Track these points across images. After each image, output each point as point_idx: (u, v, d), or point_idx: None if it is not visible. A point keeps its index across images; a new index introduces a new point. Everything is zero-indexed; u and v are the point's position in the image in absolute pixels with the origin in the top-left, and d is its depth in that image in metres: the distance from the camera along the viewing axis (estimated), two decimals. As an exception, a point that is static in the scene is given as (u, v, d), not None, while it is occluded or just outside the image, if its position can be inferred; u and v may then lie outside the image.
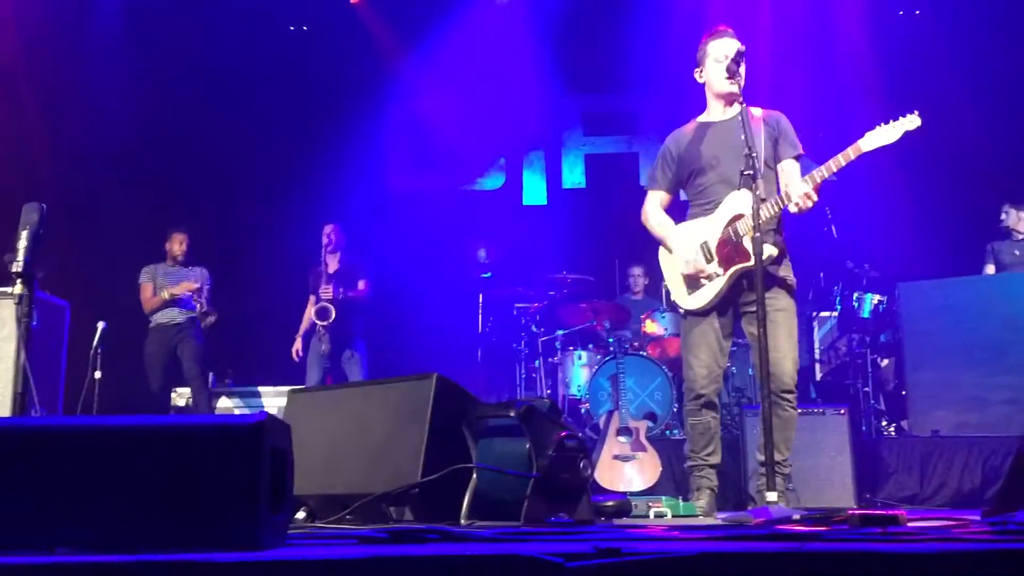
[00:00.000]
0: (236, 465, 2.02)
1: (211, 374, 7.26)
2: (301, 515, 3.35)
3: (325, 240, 7.13)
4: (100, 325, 6.02)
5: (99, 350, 6.00)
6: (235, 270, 7.41)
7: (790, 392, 3.85)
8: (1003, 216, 7.05)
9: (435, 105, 8.93)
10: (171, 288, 6.91)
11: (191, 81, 8.13)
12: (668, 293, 4.75)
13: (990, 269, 7.04)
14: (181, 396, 7.16)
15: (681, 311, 4.19)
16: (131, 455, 2.03)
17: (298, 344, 7.10)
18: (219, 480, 2.00)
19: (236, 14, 8.11)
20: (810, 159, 4.19)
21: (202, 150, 8.19)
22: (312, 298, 7.12)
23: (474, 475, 3.19)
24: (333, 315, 6.85)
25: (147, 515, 2.00)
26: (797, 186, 3.75)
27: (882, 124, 3.74)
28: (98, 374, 5.98)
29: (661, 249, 4.23)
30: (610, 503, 3.54)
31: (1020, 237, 7.02)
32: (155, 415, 2.15)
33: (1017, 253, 6.98)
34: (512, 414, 3.16)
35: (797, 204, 3.73)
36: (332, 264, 7.20)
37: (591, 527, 2.95)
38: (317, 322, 6.88)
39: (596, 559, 1.70)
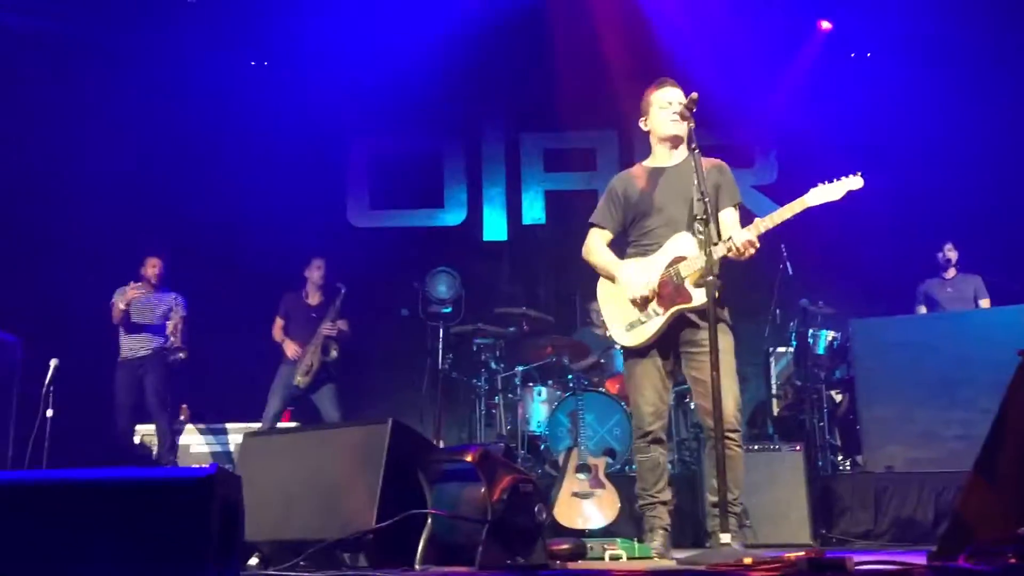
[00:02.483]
0: (185, 519, 2.02)
1: (183, 407, 7.18)
2: (254, 561, 3.33)
3: (316, 273, 7.18)
4: (53, 362, 5.94)
5: (51, 388, 5.92)
6: (195, 304, 7.33)
7: (735, 431, 3.89)
8: (945, 252, 7.28)
9: (396, 141, 8.98)
10: (137, 304, 6.86)
11: (151, 111, 8.11)
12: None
13: (922, 310, 7.24)
14: (141, 434, 7.07)
15: (618, 347, 4.22)
16: (77, 510, 2.02)
17: (290, 346, 7.04)
18: (168, 534, 2.00)
19: (200, 47, 8.14)
20: (747, 207, 4.30)
21: (163, 181, 8.15)
22: (280, 321, 7.13)
23: (429, 520, 3.19)
24: (335, 352, 6.91)
25: (94, 570, 1.99)
26: (740, 234, 3.83)
27: (825, 183, 3.83)
28: (50, 412, 5.89)
29: (601, 284, 4.27)
30: (565, 546, 3.55)
31: (951, 275, 7.25)
32: (104, 467, 2.13)
33: (950, 290, 7.21)
34: (467, 459, 3.17)
35: (739, 250, 3.80)
36: (315, 297, 7.22)
37: (545, 573, 2.96)
38: (310, 357, 6.87)
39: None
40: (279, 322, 7.19)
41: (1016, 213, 8.12)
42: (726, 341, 3.98)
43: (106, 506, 2.03)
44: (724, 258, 3.87)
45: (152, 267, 7.11)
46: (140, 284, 6.92)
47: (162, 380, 6.86)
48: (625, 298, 4.10)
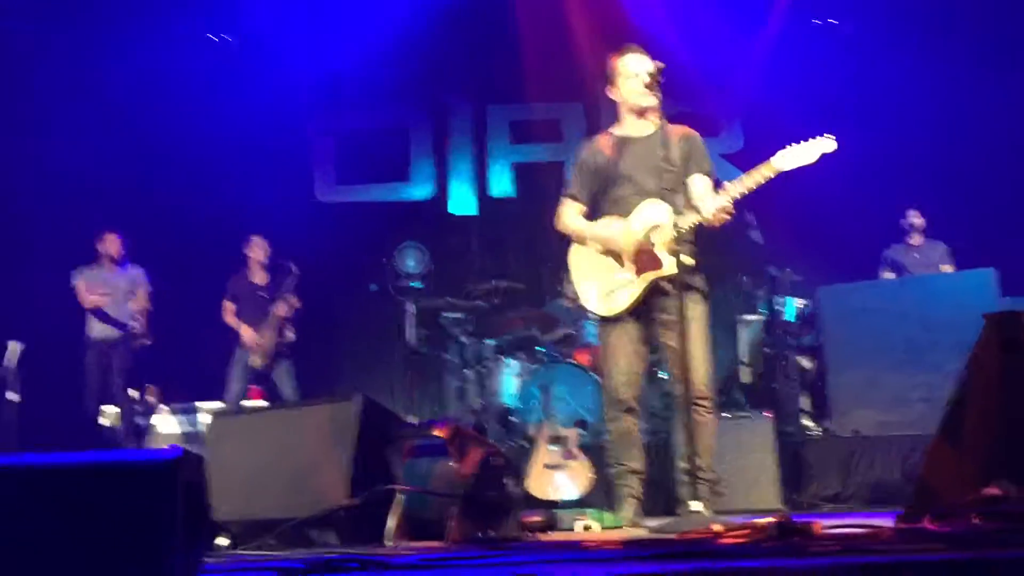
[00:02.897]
0: (149, 503, 1.99)
1: (151, 387, 7.09)
2: (223, 541, 3.31)
3: (258, 251, 7.09)
4: (12, 345, 5.86)
5: (16, 372, 5.85)
6: (163, 282, 7.24)
7: (706, 399, 3.91)
8: (910, 218, 7.31)
9: (361, 115, 8.88)
10: (99, 293, 6.75)
11: (109, 87, 7.96)
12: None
13: (887, 275, 7.28)
14: (107, 416, 7.00)
15: (592, 316, 4.20)
16: (38, 494, 1.98)
17: (246, 331, 6.97)
18: (132, 518, 1.97)
19: (159, 18, 7.98)
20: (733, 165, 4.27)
21: (124, 159, 8.00)
22: (230, 305, 7.04)
23: (399, 496, 3.18)
24: (291, 334, 6.86)
25: (55, 556, 1.96)
26: (711, 201, 3.82)
27: (795, 144, 3.77)
28: (15, 397, 5.83)
29: (573, 254, 4.24)
30: (536, 518, 3.56)
31: (917, 241, 7.30)
32: (65, 451, 2.09)
33: (917, 256, 7.26)
34: (438, 434, 3.17)
35: (711, 219, 3.79)
36: (260, 276, 7.14)
37: (515, 546, 2.97)
38: (265, 340, 6.81)
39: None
40: (229, 305, 7.07)
41: (980, 178, 8.20)
42: (700, 309, 3.99)
43: (68, 491, 2.00)
44: (698, 225, 3.86)
45: (111, 243, 6.98)
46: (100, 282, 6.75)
47: (130, 362, 6.78)
48: (600, 265, 4.08)
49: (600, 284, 4.08)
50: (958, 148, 8.16)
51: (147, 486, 1.99)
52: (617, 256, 4.03)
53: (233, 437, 3.55)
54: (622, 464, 4.11)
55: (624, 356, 4.06)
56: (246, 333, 6.90)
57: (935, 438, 2.90)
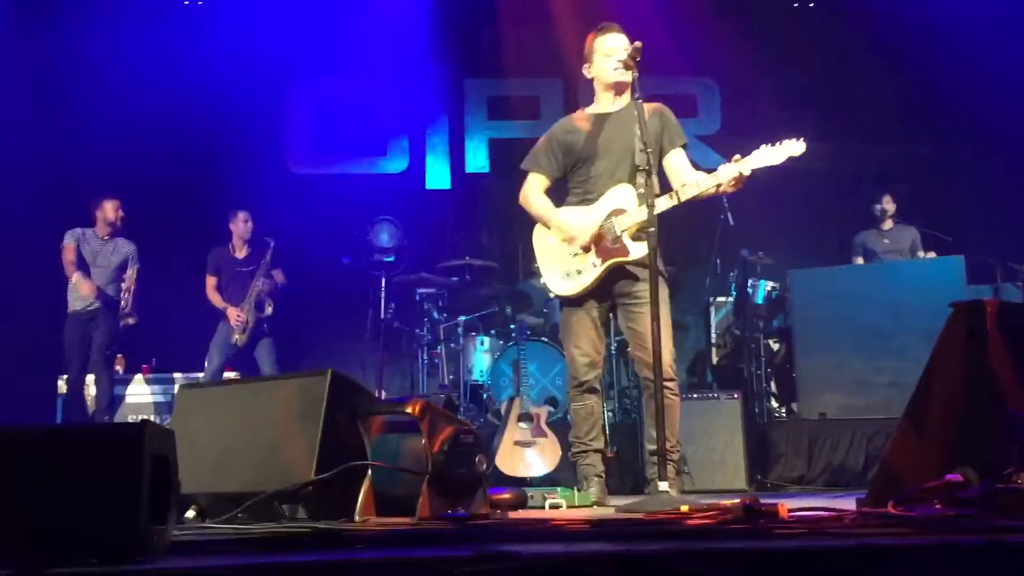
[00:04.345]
0: (115, 475, 1.97)
1: (119, 356, 7.01)
2: (191, 514, 3.30)
3: (243, 227, 7.02)
4: None
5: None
6: (140, 254, 7.14)
7: (671, 380, 3.94)
8: (882, 203, 7.35)
9: (337, 88, 8.80)
10: (92, 251, 6.69)
11: (78, 54, 7.81)
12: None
13: (859, 260, 7.35)
14: (86, 386, 6.93)
15: (552, 296, 4.22)
16: (1, 464, 1.97)
17: (231, 311, 6.89)
18: (97, 490, 1.95)
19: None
20: (709, 147, 4.28)
21: (98, 136, 7.85)
22: (213, 279, 6.98)
23: (369, 472, 3.18)
24: (270, 308, 6.80)
25: (20, 527, 1.94)
26: (725, 169, 3.77)
27: (767, 146, 3.80)
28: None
29: (536, 233, 4.26)
30: (506, 495, 3.58)
31: (888, 226, 7.35)
32: (31, 421, 2.08)
33: (887, 241, 7.31)
34: (408, 410, 3.16)
35: (728, 185, 3.79)
36: (242, 251, 7.07)
37: (483, 524, 2.99)
38: (246, 315, 6.76)
39: (478, 566, 1.73)
40: (211, 280, 7.01)
41: (953, 166, 8.28)
42: (662, 293, 4.01)
43: (33, 462, 1.98)
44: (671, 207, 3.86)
45: (114, 209, 6.80)
46: (87, 283, 6.63)
47: (111, 335, 6.68)
48: (561, 247, 4.10)
49: (562, 264, 4.10)
50: (933, 134, 8.24)
51: (113, 458, 1.98)
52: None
53: (201, 410, 3.53)
54: (583, 443, 4.13)
55: (585, 337, 4.08)
56: (231, 314, 6.83)
57: (900, 424, 2.94)
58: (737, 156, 3.81)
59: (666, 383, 3.90)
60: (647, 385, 3.94)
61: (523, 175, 4.39)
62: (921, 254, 7.25)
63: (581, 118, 4.23)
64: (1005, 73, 7.58)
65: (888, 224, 7.38)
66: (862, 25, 8.19)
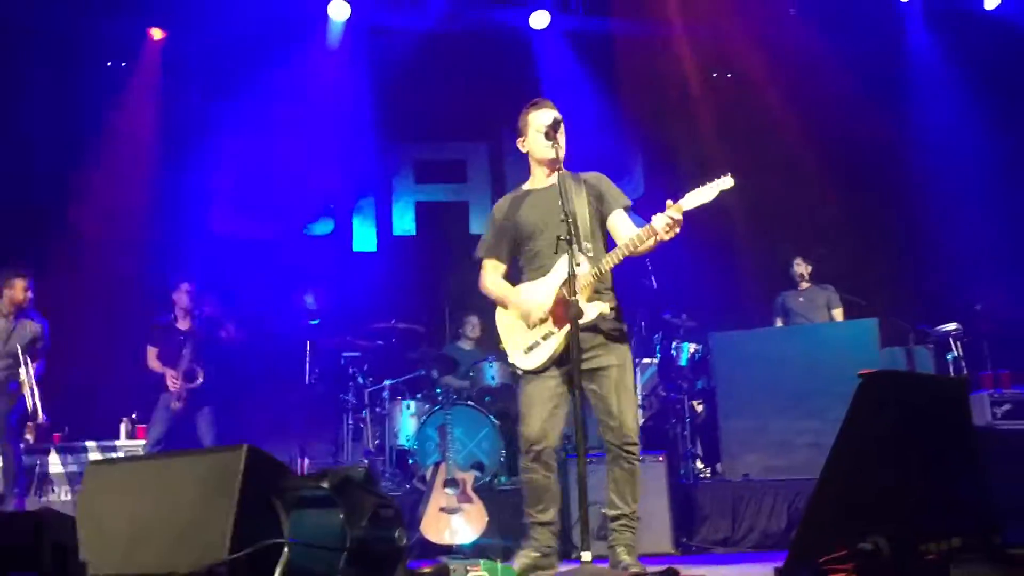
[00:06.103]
0: (13, 565, 1.90)
1: (28, 424, 6.72)
2: (99, 598, 3.16)
3: (184, 298, 6.80)
4: None
5: None
6: (60, 319, 6.91)
7: (634, 444, 3.94)
8: (795, 266, 7.56)
9: (264, 149, 8.75)
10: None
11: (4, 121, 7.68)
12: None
13: (779, 322, 7.52)
14: None
15: (519, 372, 4.20)
16: None
17: (170, 377, 6.66)
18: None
19: (48, 49, 7.74)
20: (636, 214, 4.33)
21: (16, 194, 7.68)
22: (153, 350, 6.78)
23: (285, 549, 3.10)
24: (201, 378, 6.59)
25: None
26: (659, 218, 3.76)
27: (699, 187, 3.83)
28: None
29: (498, 313, 4.28)
30: (427, 569, 3.52)
31: (805, 286, 7.55)
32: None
33: (802, 300, 7.51)
34: (325, 485, 3.10)
35: (664, 232, 3.77)
36: (184, 323, 6.87)
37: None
38: (179, 384, 6.55)
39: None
40: (152, 351, 6.82)
41: (866, 227, 8.56)
42: (622, 355, 4.03)
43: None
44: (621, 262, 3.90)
45: (23, 290, 6.44)
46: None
47: (19, 416, 6.38)
48: (520, 323, 4.12)
49: (523, 340, 4.11)
50: (850, 198, 8.52)
51: (10, 548, 1.90)
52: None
53: (112, 487, 3.40)
54: (530, 514, 4.08)
55: (540, 406, 4.03)
56: (170, 380, 6.61)
57: (814, 491, 2.98)
58: (669, 201, 3.84)
59: (629, 447, 3.91)
60: (610, 448, 3.95)
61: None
62: (837, 312, 7.44)
63: (517, 196, 4.30)
64: (929, 144, 7.91)
65: (805, 284, 7.57)
66: (776, 94, 8.46)
